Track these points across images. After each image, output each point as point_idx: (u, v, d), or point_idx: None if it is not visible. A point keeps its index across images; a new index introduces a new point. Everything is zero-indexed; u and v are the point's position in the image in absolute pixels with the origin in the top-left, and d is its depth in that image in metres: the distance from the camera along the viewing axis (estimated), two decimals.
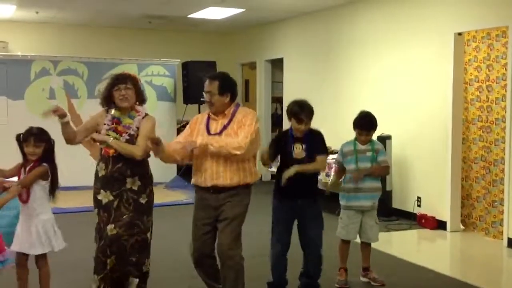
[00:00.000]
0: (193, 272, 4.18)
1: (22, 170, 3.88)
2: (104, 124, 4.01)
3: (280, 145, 4.23)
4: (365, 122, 4.63)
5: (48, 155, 3.91)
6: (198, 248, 3.95)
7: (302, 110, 4.14)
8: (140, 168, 4.02)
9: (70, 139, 4.00)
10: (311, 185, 4.31)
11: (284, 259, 4.30)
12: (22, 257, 3.93)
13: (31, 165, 3.85)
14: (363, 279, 4.74)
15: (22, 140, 3.88)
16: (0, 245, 3.62)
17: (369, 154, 4.62)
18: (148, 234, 4.06)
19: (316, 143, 4.20)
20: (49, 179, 3.90)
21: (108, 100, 4.06)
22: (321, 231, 4.30)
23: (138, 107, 4.07)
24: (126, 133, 3.97)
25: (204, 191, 3.90)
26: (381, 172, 4.74)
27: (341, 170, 4.78)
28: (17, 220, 3.97)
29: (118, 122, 4.00)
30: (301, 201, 4.23)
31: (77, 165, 7.60)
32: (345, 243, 4.71)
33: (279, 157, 4.29)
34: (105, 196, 3.93)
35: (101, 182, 3.96)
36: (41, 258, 3.96)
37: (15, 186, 3.72)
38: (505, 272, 5.54)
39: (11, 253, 3.76)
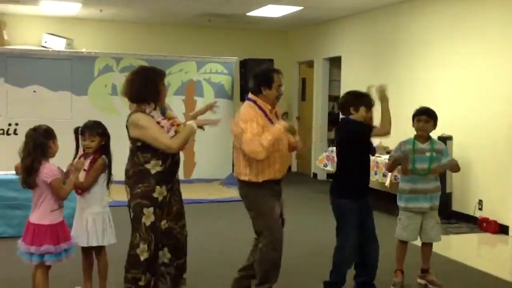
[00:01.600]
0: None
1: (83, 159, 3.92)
2: (163, 121, 3.74)
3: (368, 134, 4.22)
4: (422, 109, 4.57)
5: (104, 148, 3.98)
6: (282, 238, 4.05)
7: (364, 96, 4.26)
8: None
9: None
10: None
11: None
12: (85, 248, 4.07)
13: (91, 158, 3.94)
14: (420, 281, 4.66)
15: (80, 133, 3.97)
16: (66, 234, 3.75)
17: (428, 154, 4.48)
18: None
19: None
20: (106, 172, 3.98)
21: (154, 96, 3.74)
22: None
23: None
24: (178, 125, 3.84)
25: (275, 183, 4.03)
26: (455, 169, 4.75)
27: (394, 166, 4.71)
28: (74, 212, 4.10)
29: (168, 119, 3.85)
30: (367, 198, 4.26)
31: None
32: (403, 244, 4.62)
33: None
34: (160, 193, 3.77)
35: (156, 179, 3.74)
36: (97, 250, 4.05)
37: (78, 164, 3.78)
38: None
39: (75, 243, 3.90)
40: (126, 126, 3.79)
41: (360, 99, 4.21)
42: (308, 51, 11.05)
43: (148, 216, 3.73)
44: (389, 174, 6.84)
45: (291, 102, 11.41)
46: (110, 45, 10.39)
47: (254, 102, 3.99)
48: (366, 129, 4.14)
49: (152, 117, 3.72)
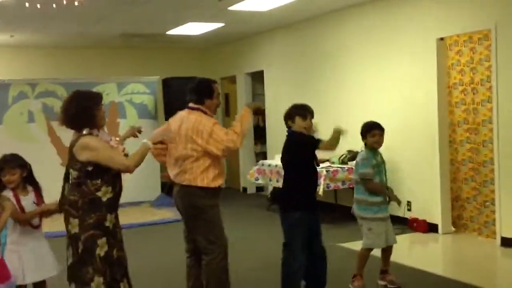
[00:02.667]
0: None
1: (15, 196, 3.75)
2: (110, 141, 3.63)
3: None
4: (376, 123, 4.74)
5: (29, 178, 3.83)
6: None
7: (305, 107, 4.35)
8: None
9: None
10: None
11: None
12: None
13: (32, 189, 3.82)
14: (380, 282, 4.82)
15: None
16: (5, 273, 3.49)
17: (382, 166, 4.78)
18: None
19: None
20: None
21: (93, 122, 3.57)
22: None
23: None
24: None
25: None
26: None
27: None
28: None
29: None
30: (316, 211, 4.28)
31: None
32: (368, 251, 4.76)
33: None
34: (110, 221, 3.58)
35: (107, 206, 3.57)
36: (44, 285, 3.91)
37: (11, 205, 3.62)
38: (500, 270, 5.62)
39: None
40: (71, 153, 3.56)
41: (295, 110, 4.27)
42: (230, 66, 11.08)
43: (102, 247, 3.52)
44: (322, 182, 6.93)
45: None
46: (24, 71, 9.95)
47: (200, 110, 4.09)
48: (309, 140, 4.19)
49: (101, 139, 3.58)
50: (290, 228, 4.18)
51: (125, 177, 3.79)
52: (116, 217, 3.67)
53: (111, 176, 3.56)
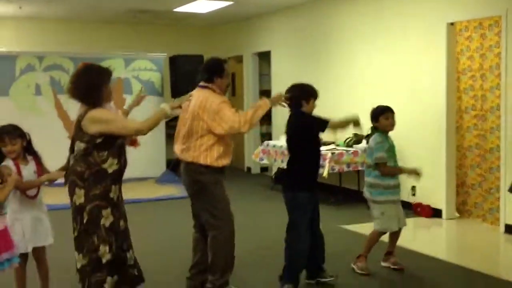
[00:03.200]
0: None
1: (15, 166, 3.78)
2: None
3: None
4: (387, 107, 4.76)
5: (29, 148, 3.87)
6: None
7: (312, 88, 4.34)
8: None
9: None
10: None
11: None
12: (25, 257, 3.87)
13: (33, 159, 3.86)
14: (384, 264, 4.88)
15: None
16: (8, 242, 3.53)
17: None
18: None
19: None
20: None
21: (101, 97, 3.61)
22: None
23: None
24: None
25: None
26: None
27: None
28: None
29: None
30: (317, 191, 4.32)
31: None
32: (380, 234, 4.80)
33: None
34: (114, 192, 3.64)
35: (112, 178, 3.62)
36: (43, 251, 3.96)
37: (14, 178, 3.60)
38: (503, 257, 5.65)
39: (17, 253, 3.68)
40: (78, 126, 3.58)
41: (310, 92, 4.27)
42: (237, 46, 11.04)
43: (107, 217, 3.59)
44: (327, 164, 6.95)
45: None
46: (32, 44, 9.95)
47: (209, 88, 4.08)
48: (320, 123, 4.21)
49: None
50: (298, 208, 4.21)
51: (131, 153, 3.84)
52: (120, 190, 3.72)
53: (117, 148, 3.62)
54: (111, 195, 3.61)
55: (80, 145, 3.58)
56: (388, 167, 4.65)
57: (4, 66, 8.91)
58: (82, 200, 3.56)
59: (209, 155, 4.02)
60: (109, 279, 3.59)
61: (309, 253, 4.30)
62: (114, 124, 3.54)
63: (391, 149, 4.71)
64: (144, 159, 9.43)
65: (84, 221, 3.57)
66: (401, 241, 5.56)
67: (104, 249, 3.57)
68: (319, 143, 4.35)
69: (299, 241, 4.21)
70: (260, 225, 6.52)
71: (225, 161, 4.09)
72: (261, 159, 8.62)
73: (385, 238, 4.90)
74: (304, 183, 4.21)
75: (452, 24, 6.51)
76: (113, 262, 3.60)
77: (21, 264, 3.80)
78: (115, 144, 3.61)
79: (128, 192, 7.36)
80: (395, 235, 4.88)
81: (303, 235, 4.19)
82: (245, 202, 7.68)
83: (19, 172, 3.75)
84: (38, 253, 3.94)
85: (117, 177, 3.66)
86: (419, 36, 6.85)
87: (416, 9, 6.88)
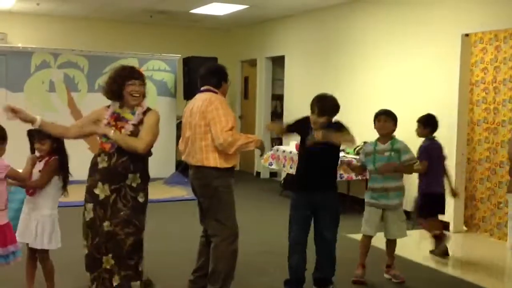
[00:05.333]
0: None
1: (38, 162, 3.82)
2: (105, 119, 3.81)
3: (302, 127, 4.25)
4: (381, 110, 4.81)
5: (57, 149, 3.85)
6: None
7: (317, 102, 4.17)
8: (142, 165, 3.86)
9: (62, 135, 3.86)
10: (329, 177, 4.28)
11: (302, 257, 4.26)
12: (31, 250, 3.89)
13: (46, 159, 3.81)
14: (386, 276, 4.84)
15: (29, 136, 3.86)
16: (13, 236, 3.57)
17: (387, 154, 4.70)
18: (143, 234, 3.91)
19: (336, 127, 4.18)
20: (61, 173, 3.85)
21: (117, 94, 3.80)
22: (336, 228, 4.29)
23: (144, 103, 3.88)
24: (123, 128, 3.77)
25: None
26: (404, 170, 4.84)
27: (362, 168, 4.93)
28: (19, 214, 3.93)
29: (118, 118, 3.80)
30: (318, 194, 4.19)
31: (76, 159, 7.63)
32: (366, 239, 4.78)
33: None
34: (102, 191, 3.71)
35: (101, 174, 3.73)
36: (41, 253, 3.92)
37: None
38: (509, 272, 5.59)
39: (22, 246, 3.72)
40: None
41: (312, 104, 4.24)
42: (251, 50, 11.04)
43: (88, 212, 3.77)
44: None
45: (233, 100, 11.37)
46: (47, 41, 10.01)
47: (215, 92, 4.11)
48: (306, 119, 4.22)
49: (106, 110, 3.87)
50: (290, 207, 4.32)
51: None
52: (116, 191, 3.73)
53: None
54: (96, 191, 3.74)
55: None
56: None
57: (20, 62, 8.99)
58: None
59: (217, 156, 3.97)
60: (88, 274, 3.82)
61: (317, 260, 4.32)
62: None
63: (374, 153, 4.71)
64: (153, 160, 9.39)
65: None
66: (406, 253, 5.56)
67: (84, 243, 3.81)
68: (309, 145, 4.15)
69: (289, 236, 4.29)
70: (266, 230, 6.50)
71: (233, 161, 4.06)
72: (270, 164, 8.60)
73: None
74: (292, 184, 4.34)
75: (467, 35, 6.46)
76: (89, 260, 3.79)
77: (28, 257, 3.88)
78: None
79: None
80: (388, 247, 4.86)
81: (292, 231, 4.26)
82: (253, 207, 7.67)
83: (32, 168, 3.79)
84: (38, 253, 3.93)
85: (106, 175, 3.73)
86: (434, 46, 6.80)
87: (431, 19, 6.84)
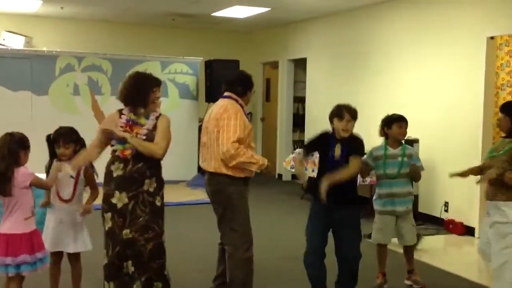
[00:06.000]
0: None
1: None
2: (120, 126, 3.80)
3: (320, 144, 4.17)
4: (401, 116, 4.68)
5: (78, 152, 3.88)
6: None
7: (344, 108, 4.10)
8: (157, 169, 3.88)
9: (90, 161, 3.91)
10: (348, 191, 4.13)
11: (322, 268, 4.13)
12: (57, 256, 3.94)
13: (83, 171, 3.92)
14: (406, 282, 4.80)
15: (52, 140, 3.87)
16: (40, 243, 3.61)
17: (399, 159, 4.63)
18: (163, 237, 3.93)
19: (354, 145, 4.11)
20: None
21: (142, 103, 3.79)
22: (358, 242, 4.14)
23: (158, 108, 3.91)
24: (139, 134, 3.79)
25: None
26: (413, 174, 4.74)
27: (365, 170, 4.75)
28: (44, 217, 3.97)
29: (133, 124, 3.81)
30: (338, 208, 4.05)
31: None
32: (382, 247, 4.72)
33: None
34: (119, 199, 3.72)
35: (116, 183, 3.74)
36: (75, 256, 3.97)
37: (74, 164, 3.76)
38: None
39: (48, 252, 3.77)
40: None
41: (335, 113, 4.15)
42: (272, 52, 11.04)
43: (107, 222, 3.77)
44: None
45: (255, 103, 11.38)
46: (71, 44, 10.13)
47: (236, 100, 4.08)
48: (324, 135, 4.17)
49: (120, 117, 3.83)
50: (308, 219, 4.23)
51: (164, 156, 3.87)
52: (133, 198, 3.73)
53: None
54: (114, 200, 3.73)
55: None
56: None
57: (45, 65, 9.10)
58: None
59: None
60: (106, 284, 3.81)
61: (338, 272, 4.21)
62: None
63: (385, 158, 4.61)
64: (176, 162, 9.47)
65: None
66: (430, 259, 5.51)
67: (106, 251, 3.81)
68: (325, 155, 4.14)
69: (306, 254, 4.16)
70: (286, 235, 6.46)
71: (247, 172, 3.98)
72: (292, 167, 8.58)
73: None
74: (313, 195, 4.17)
75: (492, 38, 6.37)
76: (110, 268, 3.78)
77: (52, 263, 3.90)
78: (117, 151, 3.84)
79: None
80: (405, 253, 4.80)
81: (308, 248, 4.14)
82: (274, 210, 7.65)
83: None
84: (69, 257, 3.99)
85: (122, 183, 3.73)
86: (458, 48, 6.72)
87: (456, 22, 6.76)
